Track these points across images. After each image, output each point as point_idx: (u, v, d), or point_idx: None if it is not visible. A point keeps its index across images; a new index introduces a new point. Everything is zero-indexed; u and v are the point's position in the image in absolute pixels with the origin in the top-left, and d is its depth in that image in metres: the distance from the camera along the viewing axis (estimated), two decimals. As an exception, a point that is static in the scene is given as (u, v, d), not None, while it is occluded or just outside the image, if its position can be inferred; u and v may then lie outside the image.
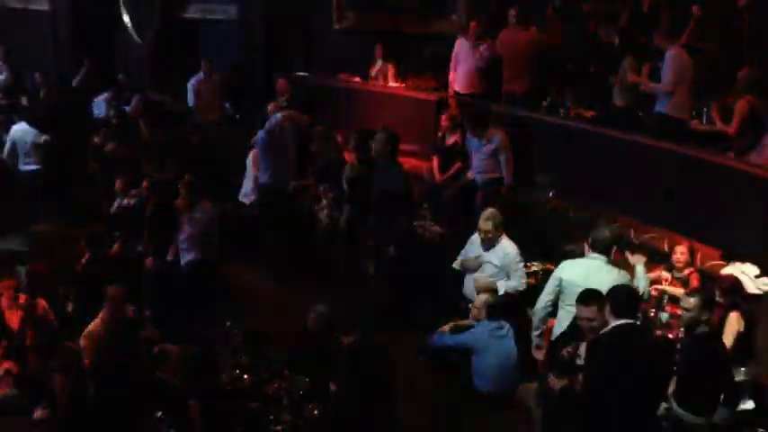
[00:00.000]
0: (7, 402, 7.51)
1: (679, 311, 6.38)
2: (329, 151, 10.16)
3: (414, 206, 9.12)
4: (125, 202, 10.35)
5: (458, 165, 9.91)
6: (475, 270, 7.84)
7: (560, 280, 6.73)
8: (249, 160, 10.33)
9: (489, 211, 7.85)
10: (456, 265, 8.11)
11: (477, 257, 7.84)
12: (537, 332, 6.98)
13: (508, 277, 7.71)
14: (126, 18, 14.06)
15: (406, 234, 8.72)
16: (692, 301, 5.96)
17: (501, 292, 7.62)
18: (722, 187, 8.31)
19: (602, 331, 5.58)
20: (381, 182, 8.56)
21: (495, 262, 7.75)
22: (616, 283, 5.98)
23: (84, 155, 11.73)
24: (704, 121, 9.45)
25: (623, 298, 5.58)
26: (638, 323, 5.70)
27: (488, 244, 7.77)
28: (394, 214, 8.52)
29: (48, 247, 10.49)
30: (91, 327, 7.49)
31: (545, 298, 6.86)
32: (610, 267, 6.59)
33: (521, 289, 7.72)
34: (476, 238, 7.93)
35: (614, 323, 5.47)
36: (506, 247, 7.75)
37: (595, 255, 6.67)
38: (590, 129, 9.72)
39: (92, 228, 9.80)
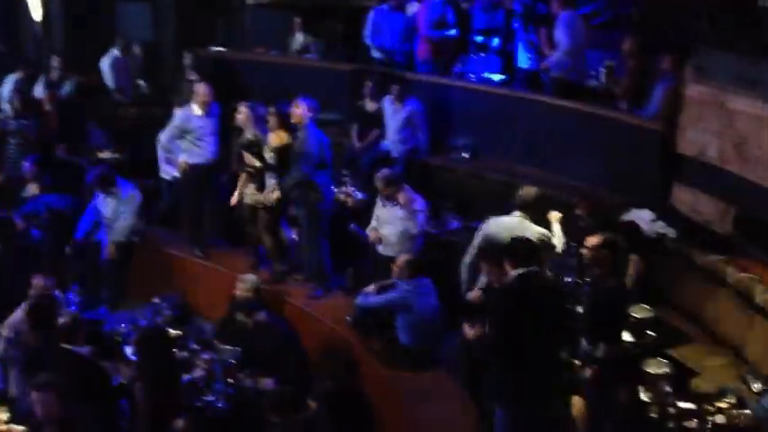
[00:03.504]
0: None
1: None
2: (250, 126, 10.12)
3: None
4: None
5: (376, 132, 10.13)
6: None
7: (486, 235, 7.13)
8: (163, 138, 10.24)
9: (379, 172, 8.24)
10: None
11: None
12: (465, 285, 7.31)
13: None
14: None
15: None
16: (594, 240, 6.41)
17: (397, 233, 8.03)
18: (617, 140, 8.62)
19: (505, 280, 5.89)
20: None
21: (400, 214, 8.08)
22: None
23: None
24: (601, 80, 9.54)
25: (519, 249, 5.91)
26: (539, 270, 5.94)
27: (391, 201, 8.13)
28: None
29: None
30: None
31: (472, 252, 7.25)
32: (530, 224, 7.06)
33: (413, 232, 8.07)
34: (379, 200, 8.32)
35: (515, 272, 5.78)
36: (408, 194, 8.15)
37: (518, 213, 7.15)
38: (500, 92, 10.03)
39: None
